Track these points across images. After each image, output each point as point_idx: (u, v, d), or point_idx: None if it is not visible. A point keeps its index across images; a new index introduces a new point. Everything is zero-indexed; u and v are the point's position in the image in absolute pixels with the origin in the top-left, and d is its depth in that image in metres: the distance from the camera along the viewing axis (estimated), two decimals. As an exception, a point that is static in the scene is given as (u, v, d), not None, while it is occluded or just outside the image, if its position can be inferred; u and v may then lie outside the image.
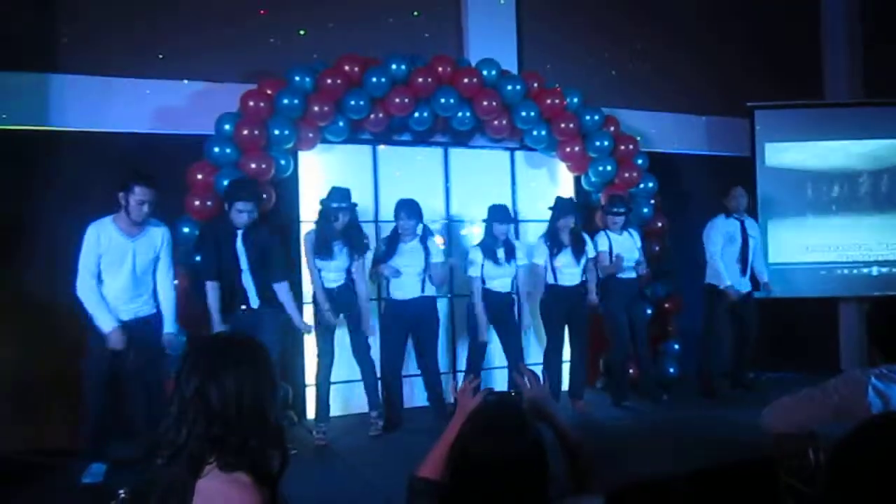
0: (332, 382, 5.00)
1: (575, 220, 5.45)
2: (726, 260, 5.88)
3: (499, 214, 5.33)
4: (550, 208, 5.54)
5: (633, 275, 5.69)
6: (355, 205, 4.97)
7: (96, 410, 4.14)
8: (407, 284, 5.14)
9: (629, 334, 5.70)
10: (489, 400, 2.02)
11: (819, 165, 6.81)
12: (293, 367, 5.36)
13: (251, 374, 1.73)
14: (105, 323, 4.07)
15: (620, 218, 5.65)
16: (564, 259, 5.43)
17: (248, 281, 4.57)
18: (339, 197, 4.85)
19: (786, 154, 6.79)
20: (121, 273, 4.17)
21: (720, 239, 5.89)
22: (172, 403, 1.72)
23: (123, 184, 4.11)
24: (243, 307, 4.58)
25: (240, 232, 4.54)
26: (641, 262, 5.71)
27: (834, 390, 2.41)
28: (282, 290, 4.63)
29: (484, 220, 5.45)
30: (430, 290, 5.22)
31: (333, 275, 4.90)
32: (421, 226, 5.19)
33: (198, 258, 4.67)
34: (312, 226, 4.98)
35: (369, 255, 5.14)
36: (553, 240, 5.45)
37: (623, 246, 5.67)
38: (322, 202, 4.91)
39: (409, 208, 5.09)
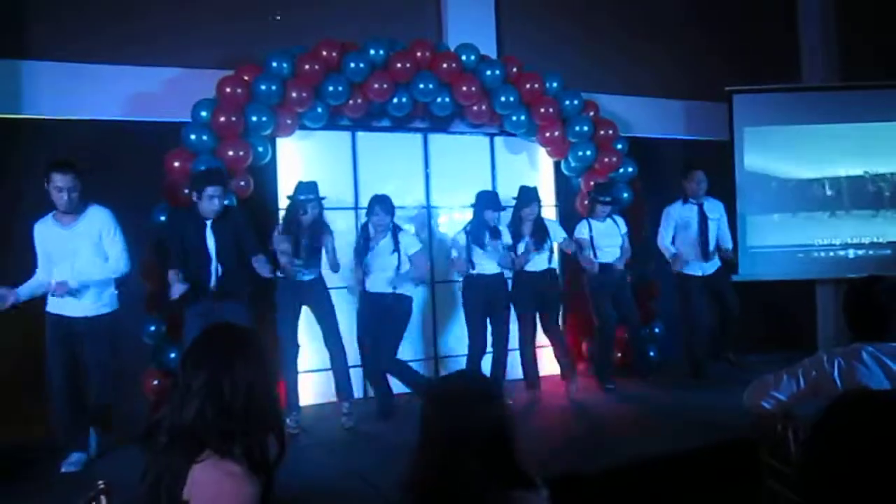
0: (303, 371, 5.00)
1: (538, 210, 5.49)
2: (682, 245, 5.94)
3: (490, 202, 5.35)
4: (514, 198, 5.56)
5: (617, 260, 5.73)
6: (323, 198, 4.93)
7: (60, 398, 4.13)
8: (380, 280, 5.10)
9: (615, 319, 5.76)
10: (450, 375, 2.03)
11: (796, 150, 6.87)
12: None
13: (259, 365, 1.78)
14: (38, 287, 4.09)
15: (607, 206, 5.69)
16: (523, 248, 5.43)
17: (214, 270, 4.49)
18: (305, 190, 4.84)
19: (764, 138, 6.84)
20: (66, 264, 4.13)
21: (670, 229, 5.97)
22: (176, 392, 1.75)
23: (44, 173, 4.05)
24: (204, 297, 4.49)
25: (209, 222, 4.46)
26: (627, 249, 5.75)
27: (806, 371, 2.51)
28: (259, 262, 4.50)
29: (472, 206, 5.45)
30: (405, 289, 5.15)
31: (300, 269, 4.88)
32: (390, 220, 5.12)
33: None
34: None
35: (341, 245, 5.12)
36: (515, 228, 5.47)
37: (605, 233, 5.71)
38: (289, 196, 4.90)
39: (383, 204, 5.04)
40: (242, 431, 1.71)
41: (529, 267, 5.46)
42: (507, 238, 5.41)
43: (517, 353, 5.61)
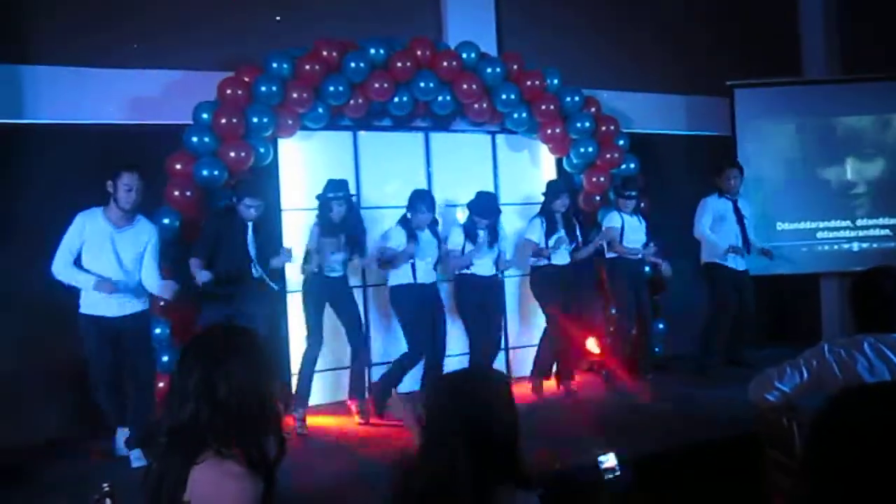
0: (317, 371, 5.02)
1: (570, 201, 5.53)
2: (719, 237, 5.94)
3: (481, 208, 5.32)
4: (543, 193, 5.60)
5: (639, 256, 5.78)
6: (352, 195, 5.02)
7: (110, 395, 4.29)
8: (427, 272, 5.23)
9: (635, 313, 5.78)
10: (454, 372, 2.03)
11: (798, 144, 6.86)
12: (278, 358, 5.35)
13: (253, 363, 1.77)
14: (86, 282, 4.11)
15: (632, 201, 5.73)
16: (553, 242, 5.44)
17: (257, 270, 4.68)
18: (334, 187, 4.92)
19: (766, 132, 6.83)
20: (102, 262, 4.17)
21: (709, 218, 5.97)
22: (173, 393, 1.75)
23: (112, 173, 4.16)
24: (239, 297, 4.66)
25: (250, 224, 4.66)
26: (650, 245, 5.77)
27: (808, 363, 2.50)
28: (278, 261, 4.79)
29: (467, 205, 5.44)
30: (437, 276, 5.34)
31: (337, 266, 4.98)
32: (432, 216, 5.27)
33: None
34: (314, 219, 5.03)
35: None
36: (549, 221, 5.48)
37: (633, 227, 5.77)
38: (318, 196, 4.97)
39: (427, 200, 5.16)
40: (239, 432, 1.70)
41: (557, 261, 5.47)
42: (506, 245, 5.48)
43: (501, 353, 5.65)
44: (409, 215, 5.15)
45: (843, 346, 2.45)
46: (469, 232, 5.33)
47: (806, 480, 1.21)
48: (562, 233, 5.47)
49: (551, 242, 5.42)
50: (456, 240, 5.35)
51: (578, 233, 5.63)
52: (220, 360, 1.73)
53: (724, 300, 5.99)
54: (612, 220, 5.75)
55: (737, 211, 6.00)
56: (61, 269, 4.12)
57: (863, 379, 2.32)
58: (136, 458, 4.18)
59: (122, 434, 4.34)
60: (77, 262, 4.15)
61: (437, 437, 1.70)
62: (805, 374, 2.50)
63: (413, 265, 5.11)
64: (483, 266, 5.39)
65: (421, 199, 5.13)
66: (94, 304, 4.20)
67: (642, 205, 5.92)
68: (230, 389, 1.71)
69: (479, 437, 1.65)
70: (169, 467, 1.68)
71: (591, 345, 5.81)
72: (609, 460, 2.11)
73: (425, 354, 5.09)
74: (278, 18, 5.52)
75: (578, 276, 5.65)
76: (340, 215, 4.91)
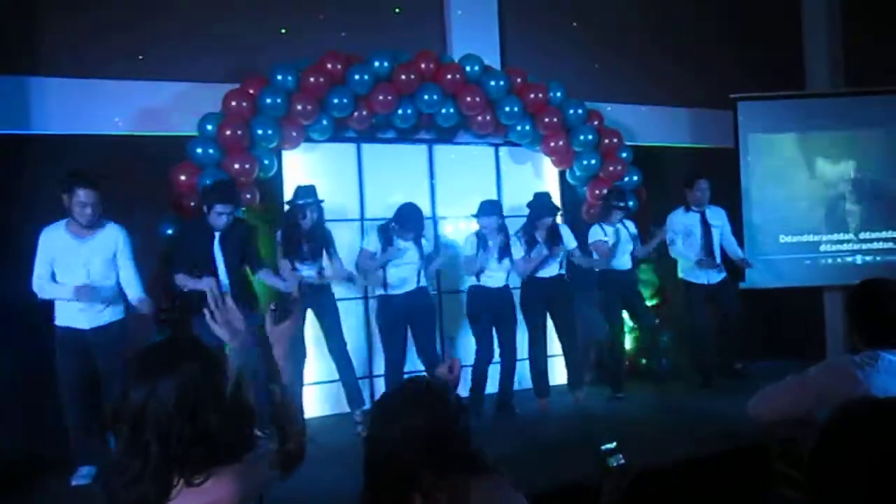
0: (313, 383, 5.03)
1: (553, 219, 5.50)
2: (685, 253, 5.97)
3: (484, 209, 5.33)
4: (529, 204, 5.55)
5: (629, 265, 5.79)
6: (321, 201, 4.96)
7: (73, 411, 4.12)
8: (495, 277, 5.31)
9: (620, 325, 5.80)
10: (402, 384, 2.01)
11: (802, 157, 6.87)
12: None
13: (191, 374, 1.61)
14: (64, 292, 4.05)
15: (621, 212, 5.73)
16: (535, 253, 5.42)
17: (223, 283, 4.49)
18: (304, 194, 4.88)
19: (770, 145, 6.84)
20: (74, 275, 4.12)
21: (673, 234, 5.97)
22: (119, 431, 1.59)
23: (66, 185, 4.05)
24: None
25: (217, 234, 4.52)
26: (640, 249, 5.82)
27: (814, 378, 2.41)
28: (266, 275, 4.62)
29: (474, 216, 5.44)
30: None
31: (306, 272, 4.91)
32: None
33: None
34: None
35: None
36: (528, 235, 5.46)
37: (621, 237, 5.76)
38: (288, 202, 4.94)
39: (417, 224, 5.12)
40: (203, 451, 1.57)
41: (541, 273, 5.46)
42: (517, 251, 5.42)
43: (526, 362, 5.60)
44: (393, 225, 5.11)
45: (855, 362, 2.35)
46: (482, 238, 5.33)
47: (813, 490, 1.21)
48: (542, 247, 5.42)
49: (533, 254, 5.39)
50: (468, 248, 5.36)
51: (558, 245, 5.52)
52: (151, 385, 1.58)
53: (697, 318, 5.99)
54: (596, 234, 5.72)
55: (704, 223, 5.99)
56: (40, 285, 4.10)
57: (872, 394, 2.26)
58: (86, 473, 4.07)
59: (85, 471, 4.10)
60: (53, 278, 4.12)
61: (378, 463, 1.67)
62: (809, 391, 2.41)
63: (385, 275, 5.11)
64: (494, 278, 5.38)
65: (407, 220, 5.06)
66: (68, 315, 4.15)
67: (628, 212, 5.90)
68: (168, 412, 1.56)
69: (413, 443, 1.62)
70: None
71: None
72: (612, 447, 2.10)
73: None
74: (283, 31, 5.55)
75: (564, 288, 5.61)
76: (312, 221, 4.88)
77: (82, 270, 4.14)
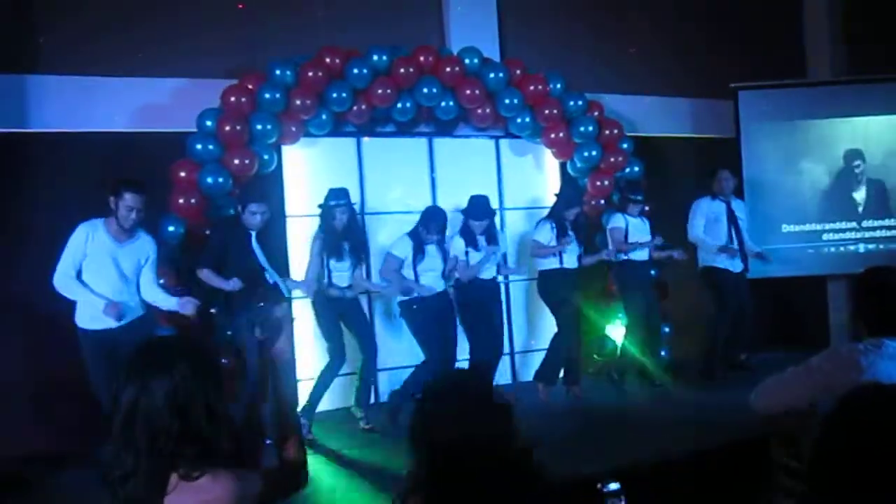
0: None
1: (580, 209, 5.57)
2: (711, 239, 5.94)
3: (477, 211, 5.31)
4: (556, 194, 5.62)
5: (646, 258, 5.81)
6: (353, 203, 5.01)
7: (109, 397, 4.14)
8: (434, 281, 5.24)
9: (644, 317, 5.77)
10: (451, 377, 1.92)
11: (803, 146, 6.84)
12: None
13: (182, 374, 1.61)
14: (94, 300, 4.06)
15: (638, 205, 5.75)
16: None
17: (272, 277, 4.61)
18: (336, 196, 4.92)
19: (771, 135, 6.81)
20: (103, 277, 4.13)
21: (702, 220, 5.96)
22: (113, 426, 1.61)
23: (114, 189, 4.08)
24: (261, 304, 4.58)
25: (253, 233, 4.60)
26: (657, 237, 5.81)
27: (818, 368, 2.40)
28: (208, 275, 4.63)
29: (461, 211, 5.43)
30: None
31: (342, 275, 4.97)
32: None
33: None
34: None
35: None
36: (559, 225, 5.48)
37: (638, 228, 5.78)
38: (321, 205, 4.97)
39: (440, 222, 5.15)
40: (198, 447, 1.58)
41: (567, 264, 5.48)
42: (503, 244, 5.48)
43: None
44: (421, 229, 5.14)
45: (860, 350, 2.34)
46: (467, 237, 5.32)
47: (814, 481, 1.20)
48: (572, 236, 5.48)
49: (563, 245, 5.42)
50: (458, 247, 5.34)
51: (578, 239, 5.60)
52: (143, 382, 1.60)
53: (724, 302, 5.96)
54: (616, 221, 5.75)
55: (730, 213, 6.00)
56: (64, 281, 4.07)
57: (878, 381, 2.24)
58: None
59: None
60: (77, 275, 4.10)
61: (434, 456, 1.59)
62: (813, 380, 2.39)
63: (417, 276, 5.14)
64: (484, 270, 5.38)
65: (433, 220, 5.12)
66: (91, 318, 4.13)
67: (646, 208, 5.91)
68: (162, 409, 1.58)
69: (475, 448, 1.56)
70: (134, 499, 1.56)
71: (614, 335, 5.85)
72: (616, 488, 2.03)
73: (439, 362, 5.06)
74: (281, 26, 5.53)
75: (588, 278, 5.63)
76: (343, 223, 4.91)
77: (114, 273, 4.15)
